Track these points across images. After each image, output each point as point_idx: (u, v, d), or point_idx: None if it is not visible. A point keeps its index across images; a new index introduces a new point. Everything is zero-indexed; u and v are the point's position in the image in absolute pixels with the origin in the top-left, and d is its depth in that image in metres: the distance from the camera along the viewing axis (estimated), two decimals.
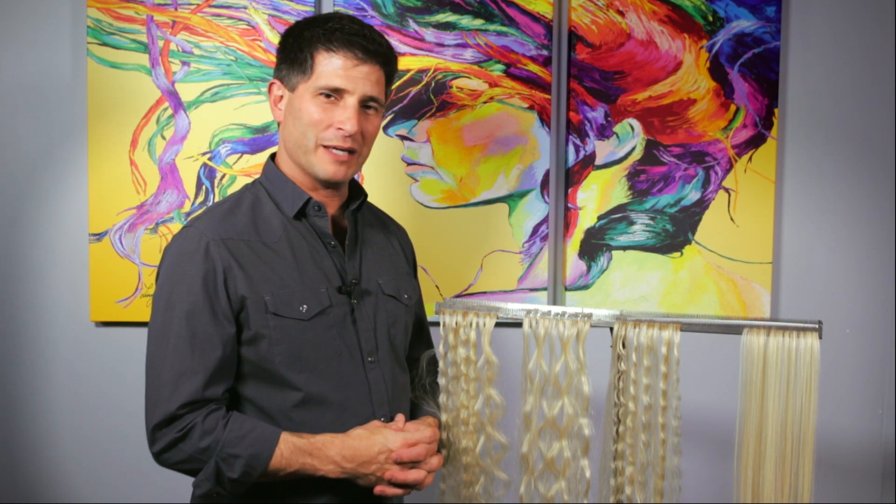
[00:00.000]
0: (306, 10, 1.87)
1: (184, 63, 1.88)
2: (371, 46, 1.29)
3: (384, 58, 1.32)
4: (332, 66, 1.27)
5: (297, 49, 1.30)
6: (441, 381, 1.43)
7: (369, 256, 1.40)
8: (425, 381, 1.49)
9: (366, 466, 1.25)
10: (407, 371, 1.44)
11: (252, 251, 1.28)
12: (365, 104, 1.31)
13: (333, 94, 1.28)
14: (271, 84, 1.35)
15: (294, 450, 1.22)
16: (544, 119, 1.93)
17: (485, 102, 1.92)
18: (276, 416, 1.28)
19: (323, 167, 1.30)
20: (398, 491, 1.29)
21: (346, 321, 1.32)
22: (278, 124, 1.37)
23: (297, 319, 1.27)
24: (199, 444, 1.20)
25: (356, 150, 1.31)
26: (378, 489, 1.28)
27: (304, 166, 1.32)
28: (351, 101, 1.28)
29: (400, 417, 1.34)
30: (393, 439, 1.26)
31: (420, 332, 1.55)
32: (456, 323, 1.40)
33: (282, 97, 1.34)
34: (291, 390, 1.27)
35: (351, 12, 1.88)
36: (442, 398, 1.43)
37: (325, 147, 1.29)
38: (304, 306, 1.28)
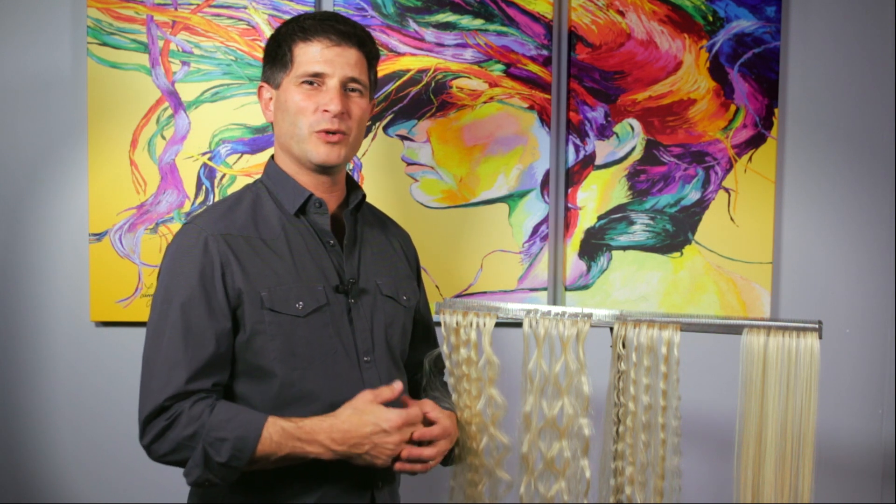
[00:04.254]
0: (306, 10, 1.87)
1: (184, 63, 1.88)
2: (344, 28, 1.33)
3: (359, 39, 1.35)
4: (309, 54, 1.31)
5: (276, 47, 1.35)
6: (450, 380, 1.43)
7: (368, 257, 1.41)
8: (436, 382, 1.49)
9: (358, 447, 1.23)
10: (404, 372, 1.44)
11: (250, 247, 1.29)
12: (347, 86, 1.33)
13: (315, 80, 1.31)
14: (260, 88, 1.39)
15: (283, 433, 1.21)
16: (544, 119, 1.93)
17: (485, 102, 1.92)
18: (269, 412, 1.27)
19: (316, 151, 1.32)
20: (416, 466, 1.28)
21: (342, 320, 1.32)
22: (272, 126, 1.39)
23: (293, 316, 1.28)
24: (185, 431, 1.20)
25: (345, 131, 1.33)
26: (398, 466, 1.27)
27: (299, 156, 1.34)
28: (332, 84, 1.31)
29: (398, 383, 1.29)
30: (385, 417, 1.23)
31: (427, 335, 1.55)
32: (456, 323, 1.40)
33: (271, 98, 1.37)
34: (286, 387, 1.28)
35: (351, 12, 1.88)
36: (454, 398, 1.44)
37: (317, 132, 1.31)
38: (300, 303, 1.28)
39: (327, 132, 1.31)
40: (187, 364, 1.23)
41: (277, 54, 1.34)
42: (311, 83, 1.31)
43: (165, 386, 1.22)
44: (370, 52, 1.38)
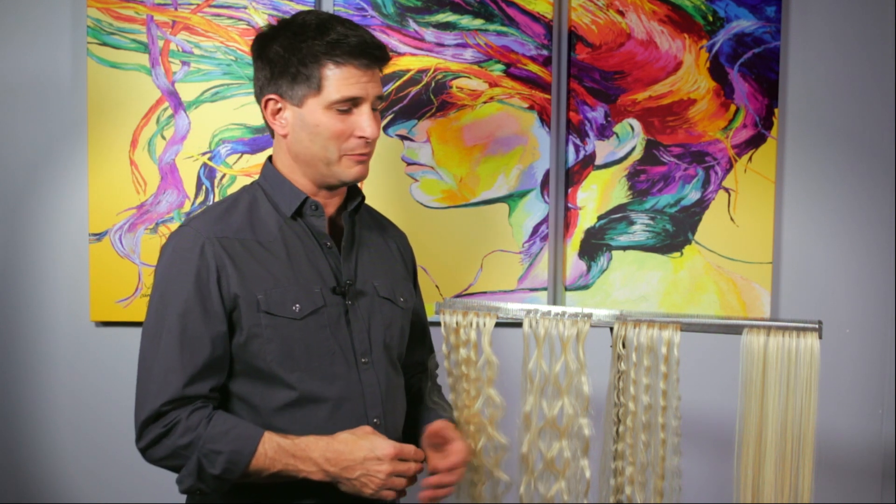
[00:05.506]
0: (305, 10, 1.87)
1: (184, 63, 1.88)
2: (377, 53, 1.31)
3: (385, 60, 1.34)
4: (343, 79, 1.28)
5: (298, 64, 1.28)
6: (448, 380, 1.43)
7: (365, 258, 1.40)
8: (435, 387, 1.50)
9: (349, 471, 1.23)
10: (401, 374, 1.44)
11: (246, 250, 1.29)
12: (373, 105, 1.32)
13: (350, 105, 1.29)
14: (267, 100, 1.32)
15: (277, 449, 1.22)
16: (544, 119, 1.93)
17: (485, 102, 1.92)
18: (267, 414, 1.28)
19: (348, 172, 1.32)
20: (440, 493, 1.32)
21: (339, 321, 1.32)
22: (273, 134, 1.36)
23: (290, 318, 1.27)
24: (181, 440, 1.21)
25: (372, 150, 1.34)
26: (425, 495, 1.31)
27: (325, 175, 1.32)
28: (366, 108, 1.30)
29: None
30: (380, 445, 1.24)
31: (423, 337, 1.55)
32: (456, 323, 1.40)
33: (280, 110, 1.32)
34: (283, 389, 1.28)
35: (351, 12, 1.88)
36: (451, 397, 1.44)
37: (349, 155, 1.31)
38: (297, 305, 1.28)
39: (361, 155, 1.32)
40: (183, 369, 1.23)
41: (301, 72, 1.28)
42: (344, 107, 1.29)
43: (162, 391, 1.22)
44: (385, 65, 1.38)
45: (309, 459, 1.22)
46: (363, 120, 1.29)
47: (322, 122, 1.28)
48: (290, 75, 1.29)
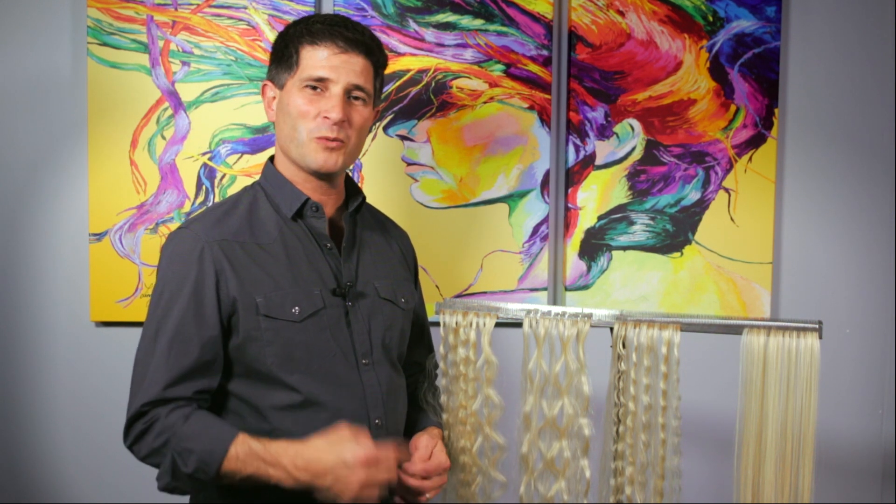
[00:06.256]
0: (306, 10, 1.87)
1: (184, 63, 1.88)
2: (352, 35, 1.32)
3: (367, 47, 1.34)
4: (315, 58, 1.30)
5: (283, 47, 1.34)
6: (442, 381, 1.43)
7: (367, 259, 1.40)
8: (432, 388, 1.50)
9: (320, 478, 1.17)
10: (402, 374, 1.44)
11: (246, 253, 1.29)
12: (351, 94, 1.32)
13: (319, 84, 1.31)
14: (264, 86, 1.38)
15: (249, 452, 1.19)
16: (544, 119, 1.93)
17: (485, 102, 1.92)
18: (270, 415, 1.28)
19: (313, 157, 1.31)
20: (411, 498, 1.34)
21: (339, 323, 1.32)
22: (273, 125, 1.39)
23: (289, 321, 1.27)
24: (159, 438, 1.21)
25: (343, 139, 1.32)
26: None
27: (297, 160, 1.33)
28: (336, 90, 1.30)
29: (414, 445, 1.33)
30: (351, 450, 1.17)
31: (421, 336, 1.55)
32: (456, 323, 1.40)
33: (274, 98, 1.36)
34: (285, 391, 1.28)
35: (351, 12, 1.88)
36: (443, 398, 1.44)
37: (316, 138, 1.31)
38: (297, 308, 1.28)
39: (326, 139, 1.31)
40: (167, 371, 1.23)
41: (284, 54, 1.33)
42: (314, 88, 1.30)
43: (145, 392, 1.23)
44: (377, 60, 1.37)
45: (279, 465, 1.18)
46: (329, 102, 1.30)
47: (292, 101, 1.31)
48: (277, 60, 1.35)
